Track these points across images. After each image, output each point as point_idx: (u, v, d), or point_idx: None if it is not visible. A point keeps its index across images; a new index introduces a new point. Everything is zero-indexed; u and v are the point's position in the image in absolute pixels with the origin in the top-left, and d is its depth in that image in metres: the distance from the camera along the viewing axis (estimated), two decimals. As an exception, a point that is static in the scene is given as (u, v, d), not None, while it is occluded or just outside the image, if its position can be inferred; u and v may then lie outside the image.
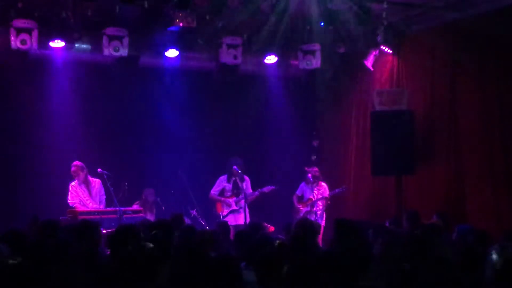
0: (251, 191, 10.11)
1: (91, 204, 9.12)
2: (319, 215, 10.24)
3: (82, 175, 9.08)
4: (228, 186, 10.18)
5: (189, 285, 3.93)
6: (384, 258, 4.81)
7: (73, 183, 9.14)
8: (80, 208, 8.97)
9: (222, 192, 10.22)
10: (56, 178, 9.63)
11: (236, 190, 10.11)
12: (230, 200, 10.13)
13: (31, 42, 8.32)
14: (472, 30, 9.05)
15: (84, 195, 9.11)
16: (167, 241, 5.13)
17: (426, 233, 6.14)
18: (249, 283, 4.40)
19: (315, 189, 10.36)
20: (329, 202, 10.45)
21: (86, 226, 5.87)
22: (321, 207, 10.35)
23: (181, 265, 4.04)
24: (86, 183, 9.14)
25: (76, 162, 9.13)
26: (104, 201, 9.28)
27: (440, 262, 4.89)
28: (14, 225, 6.19)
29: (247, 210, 9.69)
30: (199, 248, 4.22)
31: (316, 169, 10.52)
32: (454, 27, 9.40)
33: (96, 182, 9.24)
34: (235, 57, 9.57)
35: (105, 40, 8.85)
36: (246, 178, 10.13)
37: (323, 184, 10.48)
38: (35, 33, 8.35)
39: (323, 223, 10.28)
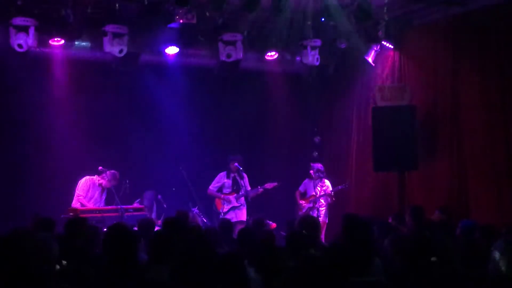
0: (249, 188, 10.09)
1: (98, 204, 9.22)
2: (322, 211, 10.21)
3: (111, 183, 9.13)
4: (228, 183, 10.17)
5: (194, 283, 3.89)
6: (393, 255, 4.79)
7: (91, 178, 9.24)
8: (84, 203, 9.00)
9: (221, 189, 10.21)
10: (57, 176, 9.62)
11: (236, 187, 10.10)
12: (230, 196, 10.10)
13: (27, 43, 8.27)
14: (474, 24, 9.02)
15: (96, 195, 9.21)
16: (171, 239, 5.08)
17: (433, 229, 6.13)
18: (253, 279, 4.37)
19: (318, 185, 10.34)
20: (334, 199, 10.41)
21: (75, 223, 5.88)
22: (324, 204, 10.33)
23: (186, 263, 4.01)
24: (103, 188, 9.26)
25: (117, 172, 9.20)
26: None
27: (445, 257, 4.87)
28: (15, 224, 6.17)
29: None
30: (205, 247, 4.18)
31: (320, 165, 10.51)
32: (456, 21, 9.36)
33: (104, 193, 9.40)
34: (229, 55, 9.51)
35: (109, 37, 8.80)
36: (244, 175, 10.11)
37: (326, 180, 10.45)
38: (34, 31, 8.30)
39: (326, 219, 10.27)
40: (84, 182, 9.17)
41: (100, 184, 9.23)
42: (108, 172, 9.19)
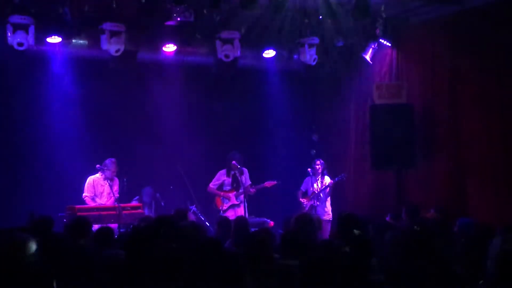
0: (250, 182, 10.08)
1: (113, 198, 9.10)
2: (324, 208, 10.23)
3: (114, 169, 9.15)
4: (228, 180, 10.15)
5: (198, 282, 3.90)
6: (390, 254, 4.78)
7: (94, 177, 9.19)
8: (88, 202, 9.00)
9: (221, 186, 10.20)
10: (54, 174, 9.60)
11: (236, 184, 10.08)
12: (230, 194, 10.10)
13: (28, 41, 8.25)
14: (472, 22, 9.01)
15: (106, 190, 9.17)
16: (171, 237, 5.08)
17: (426, 227, 6.12)
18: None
19: (318, 181, 10.33)
20: (329, 193, 10.38)
21: (79, 222, 5.86)
22: (324, 200, 10.30)
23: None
24: (110, 180, 9.19)
25: (113, 159, 9.22)
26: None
27: (441, 255, 4.87)
28: (14, 223, 6.16)
29: (245, 204, 9.69)
30: (208, 244, 4.19)
31: (320, 162, 10.49)
32: (454, 19, 9.35)
33: (116, 180, 9.31)
34: (227, 56, 9.50)
35: (106, 35, 8.78)
36: (245, 170, 10.09)
37: (326, 177, 10.44)
38: (32, 29, 8.29)
39: (329, 216, 10.25)
40: (88, 182, 9.19)
41: (106, 178, 9.20)
42: (104, 163, 9.18)
